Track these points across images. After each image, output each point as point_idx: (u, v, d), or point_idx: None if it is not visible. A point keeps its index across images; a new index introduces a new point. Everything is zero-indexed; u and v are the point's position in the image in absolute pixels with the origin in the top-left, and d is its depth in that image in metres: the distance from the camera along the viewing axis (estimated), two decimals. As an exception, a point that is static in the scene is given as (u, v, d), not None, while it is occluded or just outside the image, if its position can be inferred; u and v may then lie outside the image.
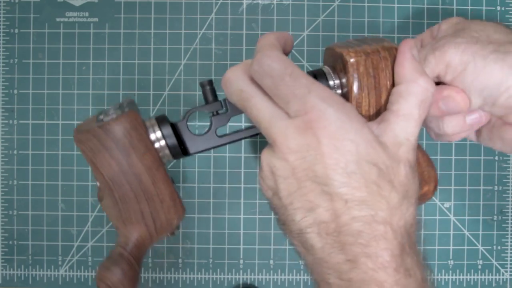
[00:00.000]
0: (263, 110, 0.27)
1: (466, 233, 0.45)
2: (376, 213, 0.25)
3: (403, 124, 0.27)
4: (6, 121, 0.45)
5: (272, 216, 0.45)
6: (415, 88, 0.27)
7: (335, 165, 0.25)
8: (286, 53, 0.30)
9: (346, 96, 0.29)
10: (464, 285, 0.45)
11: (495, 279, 0.45)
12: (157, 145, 0.30)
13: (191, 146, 0.31)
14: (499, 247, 0.45)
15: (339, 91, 0.30)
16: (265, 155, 0.27)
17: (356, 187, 0.25)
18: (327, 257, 0.26)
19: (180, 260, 0.45)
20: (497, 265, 0.45)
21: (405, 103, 0.27)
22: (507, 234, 0.45)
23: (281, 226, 0.28)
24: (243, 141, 0.45)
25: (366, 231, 0.25)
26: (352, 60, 0.28)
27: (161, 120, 0.31)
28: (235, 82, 0.28)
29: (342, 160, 0.25)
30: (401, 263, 0.25)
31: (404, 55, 0.28)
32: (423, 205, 0.45)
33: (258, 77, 0.27)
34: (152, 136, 0.30)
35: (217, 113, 0.31)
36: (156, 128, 0.30)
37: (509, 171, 0.45)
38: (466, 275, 0.45)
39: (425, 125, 0.33)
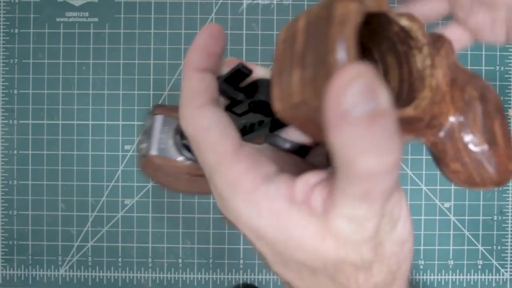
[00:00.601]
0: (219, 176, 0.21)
1: (466, 233, 0.45)
2: None
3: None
4: (6, 121, 0.45)
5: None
6: None
7: (272, 259, 0.21)
8: (218, 56, 0.22)
9: None
10: (464, 285, 0.45)
11: (495, 279, 0.45)
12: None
13: None
14: (499, 247, 0.45)
15: None
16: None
17: (302, 278, 0.19)
18: None
19: (180, 260, 0.45)
20: (497, 265, 0.45)
21: None
22: (507, 234, 0.45)
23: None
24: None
25: None
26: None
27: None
28: (189, 118, 0.22)
29: (293, 266, 0.19)
30: None
31: None
32: (423, 205, 0.45)
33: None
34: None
35: None
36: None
37: (509, 171, 0.45)
38: (466, 275, 0.45)
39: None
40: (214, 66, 0.22)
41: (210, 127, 0.19)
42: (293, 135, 0.22)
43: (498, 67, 0.45)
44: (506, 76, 0.45)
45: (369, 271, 0.18)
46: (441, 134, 0.20)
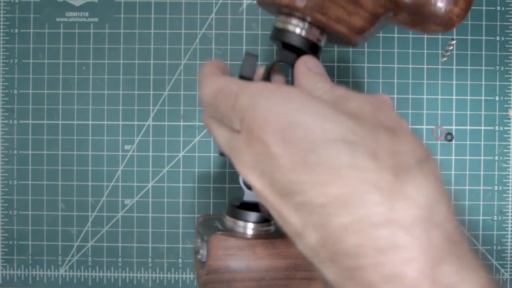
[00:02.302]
0: (220, 138, 0.25)
1: (466, 233, 0.45)
2: (368, 210, 0.17)
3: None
4: (6, 121, 0.45)
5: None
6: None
7: (291, 164, 0.19)
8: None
9: None
10: (464, 285, 0.45)
11: (495, 279, 0.45)
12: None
13: None
14: (499, 247, 0.45)
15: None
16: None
17: (325, 182, 0.18)
18: (342, 286, 0.19)
19: (180, 260, 0.45)
20: (497, 265, 0.45)
21: None
22: (507, 234, 0.45)
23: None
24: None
25: (365, 244, 0.17)
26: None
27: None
28: (202, 116, 0.27)
29: (297, 154, 0.19)
30: (435, 279, 0.17)
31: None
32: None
33: (205, 110, 0.26)
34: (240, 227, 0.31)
35: None
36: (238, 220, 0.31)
37: (509, 171, 0.45)
38: (466, 275, 0.45)
39: None
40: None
41: (227, 78, 0.24)
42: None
43: (498, 67, 0.45)
44: (506, 76, 0.45)
45: None
46: None
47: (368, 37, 0.28)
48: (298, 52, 0.28)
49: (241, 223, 0.30)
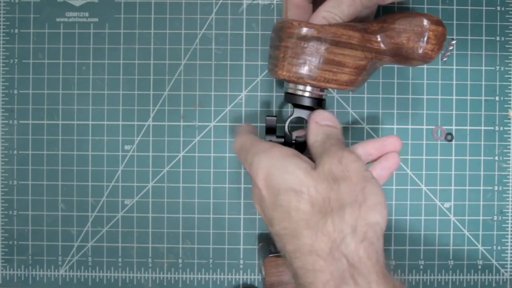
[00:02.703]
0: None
1: (466, 233, 0.45)
2: (303, 242, 0.25)
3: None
4: (6, 121, 0.45)
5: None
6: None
7: (269, 203, 0.28)
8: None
9: None
10: (464, 285, 0.45)
11: (495, 279, 0.45)
12: None
13: None
14: (499, 247, 0.45)
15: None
16: None
17: (283, 219, 0.26)
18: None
19: (180, 260, 0.45)
20: (497, 265, 0.45)
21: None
22: (507, 234, 0.45)
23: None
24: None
25: (302, 266, 0.25)
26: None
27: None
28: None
29: (271, 197, 0.27)
30: None
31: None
32: (423, 205, 0.45)
33: (238, 157, 0.34)
34: None
35: None
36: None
37: (509, 171, 0.45)
38: (466, 275, 0.45)
39: None
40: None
41: (248, 137, 0.34)
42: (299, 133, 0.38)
43: (498, 67, 0.45)
44: (506, 76, 0.45)
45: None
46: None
47: (361, 83, 0.35)
48: (308, 108, 0.36)
49: None
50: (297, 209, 0.26)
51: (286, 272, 0.36)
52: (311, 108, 0.36)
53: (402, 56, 0.34)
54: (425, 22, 0.33)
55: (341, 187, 0.26)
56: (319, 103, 0.36)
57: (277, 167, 0.28)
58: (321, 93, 0.36)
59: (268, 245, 0.41)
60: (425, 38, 0.32)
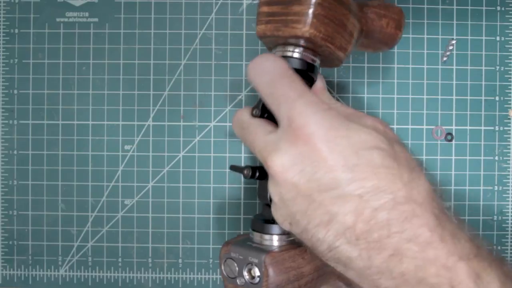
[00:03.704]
0: (258, 134, 0.28)
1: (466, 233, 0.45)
2: (395, 195, 0.24)
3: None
4: (6, 121, 0.45)
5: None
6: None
7: (334, 165, 0.24)
8: None
9: None
10: (464, 285, 0.45)
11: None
12: None
13: None
14: (499, 247, 0.45)
15: None
16: (270, 187, 0.27)
17: (363, 178, 0.24)
18: (368, 263, 0.24)
19: (180, 260, 0.45)
20: (497, 265, 0.45)
21: None
22: (507, 234, 0.45)
23: (313, 252, 0.27)
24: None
25: (394, 217, 0.23)
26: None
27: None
28: (239, 118, 0.30)
29: (340, 158, 0.24)
30: (442, 232, 0.24)
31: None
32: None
33: (255, 74, 0.28)
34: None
35: None
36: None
37: (509, 171, 0.45)
38: (466, 275, 0.45)
39: None
40: None
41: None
42: None
43: (498, 67, 0.45)
44: (506, 76, 0.45)
45: None
46: None
47: (344, 59, 0.34)
48: (299, 72, 0.31)
49: (267, 236, 0.32)
50: (385, 166, 0.25)
51: (293, 267, 0.31)
52: (301, 73, 0.31)
53: (374, 39, 0.36)
54: (400, 11, 0.36)
55: (405, 150, 0.27)
56: (310, 68, 0.32)
57: (348, 128, 0.26)
58: (314, 57, 0.33)
59: (242, 243, 0.33)
60: (401, 25, 0.36)
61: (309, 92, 0.27)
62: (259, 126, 0.29)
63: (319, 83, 0.33)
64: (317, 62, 0.33)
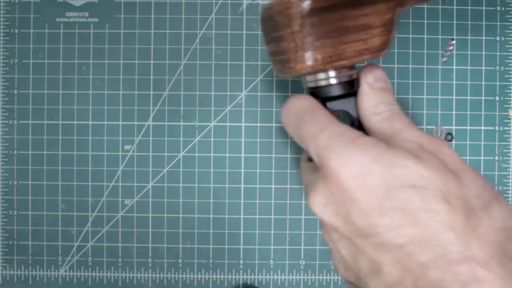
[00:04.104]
0: (304, 173, 0.27)
1: None
2: (446, 249, 0.19)
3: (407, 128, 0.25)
4: (6, 121, 0.45)
5: (272, 216, 0.45)
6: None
7: (367, 208, 0.21)
8: None
9: None
10: (464, 285, 0.45)
11: None
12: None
13: None
14: (499, 247, 0.45)
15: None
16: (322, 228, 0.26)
17: (404, 224, 0.20)
18: None
19: (180, 260, 0.45)
20: (497, 265, 0.45)
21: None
22: (507, 234, 0.45)
23: None
24: (243, 141, 0.45)
25: (448, 278, 0.19)
26: None
27: None
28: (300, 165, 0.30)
29: (372, 199, 0.21)
30: None
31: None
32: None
33: (286, 119, 0.27)
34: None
35: None
36: None
37: (509, 171, 0.45)
38: (466, 275, 0.45)
39: None
40: None
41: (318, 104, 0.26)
42: None
43: (498, 67, 0.45)
44: (506, 76, 0.45)
45: None
46: None
47: (393, 42, 0.29)
48: (341, 96, 0.28)
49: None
50: (428, 209, 0.20)
51: None
52: (344, 96, 0.28)
53: None
54: None
55: (467, 183, 0.21)
56: (351, 85, 0.28)
57: (377, 162, 0.21)
58: (351, 72, 0.28)
59: None
60: None
61: (335, 123, 0.24)
62: (307, 166, 0.28)
63: (365, 87, 0.27)
64: (355, 73, 0.29)
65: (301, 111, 0.26)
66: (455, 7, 0.45)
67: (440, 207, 0.20)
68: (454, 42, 0.45)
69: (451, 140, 0.45)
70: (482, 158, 0.45)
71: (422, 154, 0.22)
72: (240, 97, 0.45)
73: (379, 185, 0.21)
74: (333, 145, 0.23)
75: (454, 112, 0.45)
